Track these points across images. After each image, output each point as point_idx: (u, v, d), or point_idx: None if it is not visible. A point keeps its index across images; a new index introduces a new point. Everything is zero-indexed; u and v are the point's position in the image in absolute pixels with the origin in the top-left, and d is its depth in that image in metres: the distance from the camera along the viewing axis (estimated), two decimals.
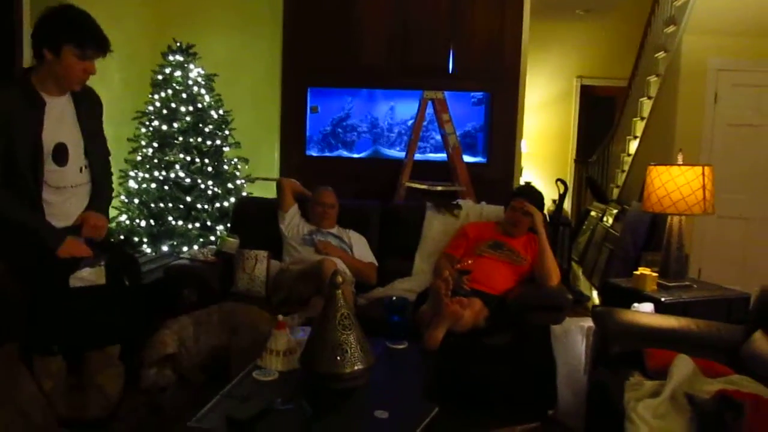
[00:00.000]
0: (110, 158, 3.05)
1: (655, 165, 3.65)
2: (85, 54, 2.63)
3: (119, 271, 2.89)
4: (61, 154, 2.68)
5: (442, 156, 5.46)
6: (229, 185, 5.21)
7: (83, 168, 2.79)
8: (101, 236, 2.85)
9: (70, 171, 2.73)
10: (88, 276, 2.76)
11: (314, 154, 5.77)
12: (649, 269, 3.74)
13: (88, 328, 2.75)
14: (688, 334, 2.86)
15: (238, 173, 5.34)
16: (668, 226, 3.70)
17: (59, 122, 2.70)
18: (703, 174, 3.50)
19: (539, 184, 8.77)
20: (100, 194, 2.88)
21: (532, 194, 3.98)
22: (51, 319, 2.66)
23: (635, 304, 3.33)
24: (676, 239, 3.68)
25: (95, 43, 2.64)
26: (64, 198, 2.74)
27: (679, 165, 3.57)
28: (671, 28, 5.70)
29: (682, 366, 2.39)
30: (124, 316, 2.86)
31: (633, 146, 6.73)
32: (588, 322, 3.25)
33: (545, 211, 7.12)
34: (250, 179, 5.42)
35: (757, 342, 2.59)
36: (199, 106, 5.12)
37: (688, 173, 3.51)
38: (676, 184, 3.51)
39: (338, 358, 2.29)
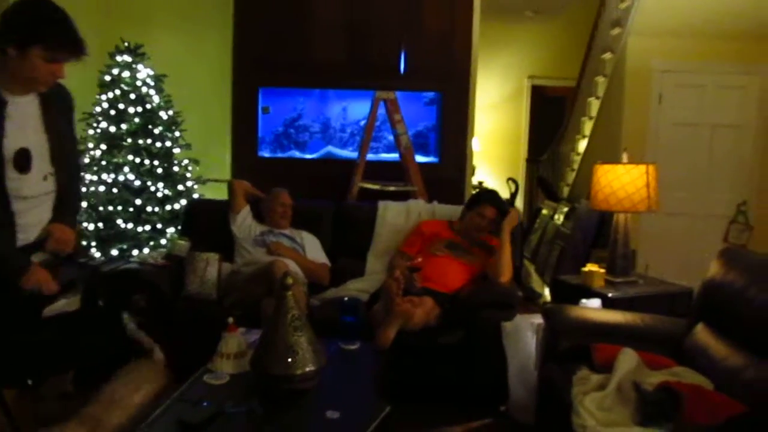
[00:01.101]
0: (80, 165, 2.82)
1: (601, 164, 3.73)
2: (55, 57, 2.35)
3: (93, 293, 2.68)
4: (23, 160, 2.39)
5: (394, 156, 5.48)
6: (180, 187, 5.16)
7: (48, 176, 2.49)
8: (68, 250, 2.59)
9: (33, 179, 2.44)
10: (64, 306, 2.54)
11: (266, 155, 5.74)
12: (597, 266, 3.82)
13: (62, 356, 2.50)
14: (634, 328, 2.93)
15: (188, 175, 5.28)
16: (614, 223, 3.79)
17: (22, 125, 2.41)
18: (647, 172, 3.60)
19: (491, 183, 8.91)
20: (67, 204, 2.59)
21: (498, 200, 3.99)
22: (22, 352, 2.40)
23: (583, 300, 3.41)
24: (622, 236, 3.77)
25: (68, 46, 2.36)
26: (25, 209, 2.44)
27: (624, 164, 3.66)
28: (617, 30, 5.83)
29: (627, 359, 2.45)
30: (96, 341, 2.62)
31: (582, 145, 6.86)
32: (538, 319, 3.31)
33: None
34: (201, 181, 5.37)
35: (699, 334, 2.68)
36: (149, 106, 5.06)
37: (633, 172, 3.60)
38: (621, 182, 3.59)
39: (289, 359, 2.29)
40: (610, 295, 3.53)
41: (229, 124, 5.78)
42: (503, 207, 3.98)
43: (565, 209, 6.41)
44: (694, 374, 2.43)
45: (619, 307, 3.39)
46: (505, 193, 7.93)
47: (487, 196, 4.06)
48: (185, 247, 3.97)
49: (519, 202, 8.91)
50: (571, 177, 7.22)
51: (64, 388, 2.61)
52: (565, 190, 7.38)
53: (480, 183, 8.89)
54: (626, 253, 3.79)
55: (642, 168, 3.60)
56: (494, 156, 9.27)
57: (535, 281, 6.64)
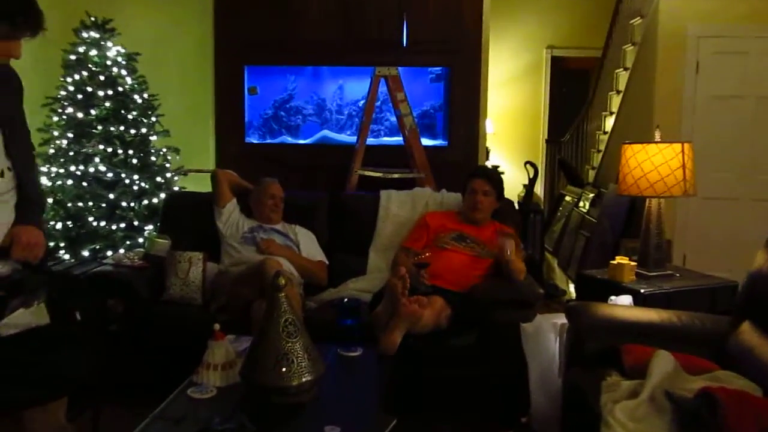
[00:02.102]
0: (35, 154, 2.75)
1: (630, 143, 3.72)
2: (16, 34, 2.25)
3: (66, 303, 2.57)
4: None
5: (397, 140, 5.48)
6: (158, 179, 5.16)
7: (5, 171, 2.40)
8: (38, 257, 2.44)
9: None
10: (23, 319, 2.38)
11: (254, 141, 5.74)
12: (627, 258, 3.81)
13: (26, 382, 2.31)
14: (669, 327, 2.92)
15: (167, 165, 5.28)
16: (646, 210, 3.78)
17: None
18: (683, 151, 3.58)
19: (507, 168, 8.91)
20: (30, 202, 2.48)
21: (490, 174, 4.08)
22: None
23: (612, 297, 3.40)
24: (655, 224, 3.76)
25: (29, 22, 2.27)
26: None
27: (656, 142, 3.65)
28: None
29: (662, 363, 2.44)
30: (73, 361, 2.43)
31: (609, 123, 6.85)
32: (561, 319, 3.30)
33: (517, 197, 7.21)
34: (181, 172, 5.37)
35: (744, 334, 2.67)
36: (120, 89, 5.05)
37: (666, 151, 3.58)
38: (653, 163, 3.58)
39: (283, 369, 2.30)
40: (642, 290, 3.52)
41: (212, 108, 5.78)
42: (494, 176, 4.08)
43: (591, 195, 6.40)
44: (739, 378, 2.42)
45: (653, 304, 3.38)
46: (523, 179, 7.93)
47: (477, 169, 4.20)
48: (165, 246, 3.98)
49: (539, 188, 8.90)
50: (596, 159, 7.21)
51: (56, 421, 2.46)
52: (591, 174, 7.37)
53: (495, 168, 8.89)
54: (660, 243, 3.78)
55: (677, 147, 3.59)
56: (510, 137, 9.26)
57: (558, 277, 6.65)
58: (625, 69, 6.39)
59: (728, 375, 2.45)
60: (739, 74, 5.56)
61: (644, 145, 3.64)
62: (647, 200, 3.77)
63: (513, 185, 8.53)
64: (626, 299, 3.41)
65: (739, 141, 5.61)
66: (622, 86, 6.48)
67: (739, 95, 5.59)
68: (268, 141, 5.75)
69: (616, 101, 6.66)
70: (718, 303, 3.59)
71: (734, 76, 5.56)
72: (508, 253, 3.62)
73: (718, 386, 2.20)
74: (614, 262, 3.78)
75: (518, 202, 7.06)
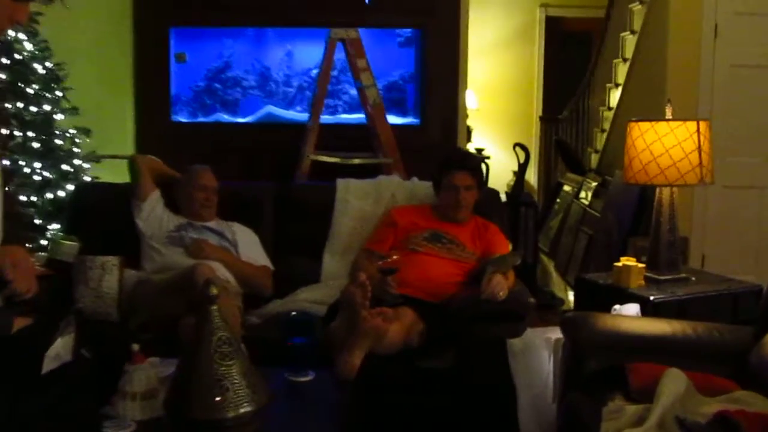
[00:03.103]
0: None
1: (636, 121, 3.76)
2: None
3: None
4: None
5: (359, 117, 5.49)
6: (65, 167, 5.11)
7: None
8: (33, 289, 2.50)
9: None
10: (62, 351, 2.58)
11: (183, 119, 5.72)
12: (635, 259, 3.86)
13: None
14: (683, 341, 2.97)
15: (76, 150, 5.24)
16: (656, 201, 3.83)
17: None
18: (698, 131, 3.63)
19: (493, 152, 8.96)
20: None
21: (471, 164, 4.05)
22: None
23: (616, 306, 3.44)
24: (667, 218, 3.81)
25: None
26: None
27: (667, 120, 3.70)
28: None
29: (673, 383, 2.48)
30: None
31: (614, 97, 6.92)
32: (557, 333, 3.34)
33: (505, 187, 7.25)
34: (93, 158, 5.32)
35: None
36: (17, 57, 4.99)
37: (679, 131, 3.63)
38: (663, 145, 3.63)
39: (217, 398, 2.29)
40: (651, 297, 3.57)
41: (131, 80, 5.74)
42: (475, 165, 4.08)
43: (594, 184, 6.48)
44: (763, 400, 2.46)
45: (665, 313, 3.43)
46: (512, 164, 7.98)
47: (453, 159, 4.09)
48: (73, 249, 3.94)
49: (532, 176, 8.97)
50: (600, 140, 7.28)
51: None
52: (594, 159, 7.44)
53: (479, 151, 8.94)
54: (673, 241, 3.84)
55: (691, 126, 3.64)
56: (497, 114, 9.31)
57: (556, 283, 6.71)
58: (632, 32, 6.45)
59: (749, 395, 2.50)
60: (765, 39, 5.62)
61: (653, 123, 3.69)
62: (657, 189, 3.83)
63: (500, 172, 8.60)
64: (633, 308, 3.46)
65: (765, 119, 5.66)
66: (629, 53, 6.54)
67: (765, 65, 5.64)
68: (200, 119, 5.74)
69: (622, 71, 6.72)
70: (741, 311, 3.66)
71: (759, 42, 5.62)
72: (499, 294, 3.48)
73: (737, 409, 2.25)
74: (619, 264, 3.82)
75: (506, 193, 7.11)
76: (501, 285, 3.49)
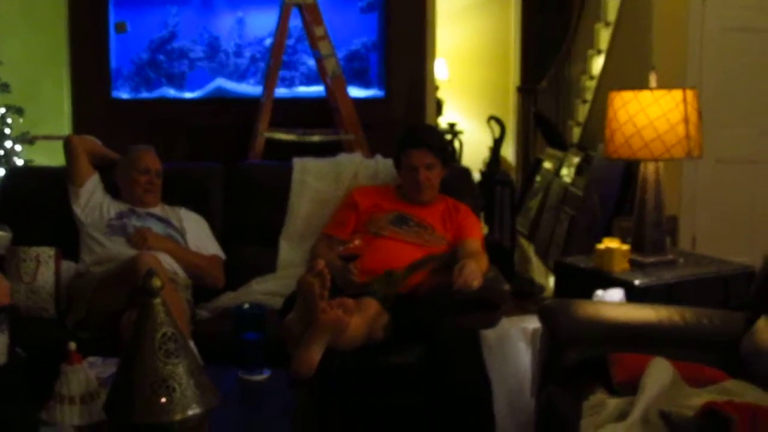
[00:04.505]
0: None
1: (617, 91, 3.78)
2: None
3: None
4: None
5: (317, 90, 5.47)
6: None
7: None
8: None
9: None
10: None
11: (124, 95, 5.67)
12: (619, 240, 3.89)
13: None
14: (670, 328, 2.99)
15: (6, 131, 5.20)
16: (641, 177, 3.85)
17: None
18: (685, 100, 3.66)
19: (466, 126, 8.98)
20: None
21: (430, 139, 4.00)
22: None
23: (598, 292, 3.47)
24: (653, 196, 3.83)
25: None
26: None
27: (651, 89, 3.72)
28: None
29: (659, 374, 2.51)
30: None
31: (597, 64, 6.95)
32: (534, 323, 3.36)
33: (481, 164, 7.26)
34: (25, 139, 5.29)
35: (761, 333, 2.74)
36: None
37: (664, 100, 3.65)
38: (647, 116, 3.65)
39: (162, 400, 2.28)
40: (636, 282, 3.60)
41: (66, 52, 5.69)
42: (434, 140, 4.02)
43: (576, 160, 6.50)
44: (754, 389, 2.49)
45: (651, 299, 3.45)
46: (487, 140, 8.00)
47: (410, 136, 4.04)
48: (4, 239, 3.92)
49: (508, 151, 9.00)
50: (582, 112, 7.32)
51: None
52: (576, 133, 7.48)
53: (451, 126, 8.96)
54: (659, 220, 3.86)
55: (677, 95, 3.66)
56: (470, 85, 9.32)
57: (535, 268, 6.75)
58: None
59: (739, 385, 2.53)
60: (757, 1, 5.64)
61: (636, 92, 3.71)
62: (642, 165, 3.85)
63: (474, 148, 8.63)
64: (616, 294, 3.48)
65: (759, 86, 5.69)
66: (612, 16, 6.57)
67: (759, 28, 5.66)
68: (143, 95, 5.69)
69: (605, 36, 6.76)
70: (732, 295, 3.70)
71: (752, 4, 5.65)
72: (473, 284, 3.46)
73: (726, 401, 2.27)
74: (602, 246, 3.84)
75: (481, 171, 7.15)
76: (474, 273, 3.47)
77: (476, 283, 3.45)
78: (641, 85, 3.87)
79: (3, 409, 2.66)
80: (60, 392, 2.61)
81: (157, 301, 2.35)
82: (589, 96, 7.13)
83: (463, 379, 3.39)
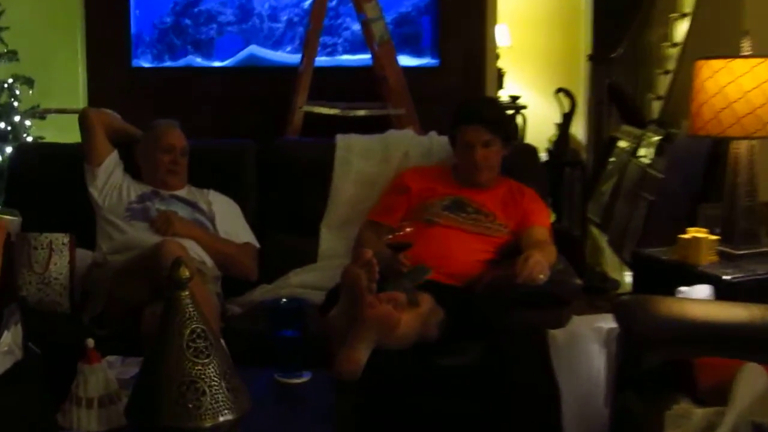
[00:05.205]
0: None
1: (705, 59, 3.75)
2: None
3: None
4: None
5: (363, 58, 5.47)
6: (2, 125, 5.13)
7: None
8: None
9: None
10: (13, 346, 2.67)
11: (146, 64, 5.71)
12: (706, 230, 3.86)
13: None
14: (764, 330, 2.97)
15: (15, 104, 5.25)
16: (731, 158, 3.82)
17: None
18: None
19: (530, 100, 8.93)
20: None
21: (487, 113, 4.00)
22: None
23: (683, 288, 3.44)
24: (745, 180, 3.80)
25: None
26: None
27: (745, 57, 3.68)
28: None
29: (751, 382, 2.49)
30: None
31: (681, 29, 6.87)
32: (609, 323, 3.34)
33: (547, 143, 7.23)
34: (36, 113, 5.34)
35: None
36: None
37: (761, 69, 3.61)
38: (741, 88, 3.61)
39: (190, 405, 2.30)
40: (726, 277, 3.58)
41: (81, 16, 5.73)
42: (493, 114, 4.01)
43: (656, 139, 6.44)
44: None
45: (742, 296, 3.42)
46: (554, 115, 7.96)
47: (465, 110, 4.05)
48: (13, 224, 3.96)
49: (578, 128, 8.93)
50: (663, 84, 7.25)
51: None
52: (655, 107, 7.41)
53: (513, 99, 8.92)
54: (753, 207, 3.83)
55: None
56: (535, 53, 9.28)
57: (609, 261, 6.71)
58: None
59: None
60: None
61: (727, 60, 3.67)
62: (733, 143, 3.81)
63: (540, 125, 8.57)
64: (703, 290, 3.46)
65: None
66: None
67: None
68: (167, 64, 5.72)
69: None
70: None
71: None
72: (539, 277, 3.45)
73: None
74: (686, 236, 3.82)
75: (548, 151, 7.11)
76: (540, 265, 3.45)
77: (542, 276, 3.44)
78: (732, 52, 3.82)
79: (24, 410, 2.69)
80: (77, 394, 2.64)
81: (185, 293, 2.36)
82: (671, 65, 7.06)
83: (528, 385, 3.38)
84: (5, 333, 2.74)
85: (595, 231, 7.11)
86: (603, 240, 6.97)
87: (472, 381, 3.43)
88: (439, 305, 3.47)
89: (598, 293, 5.75)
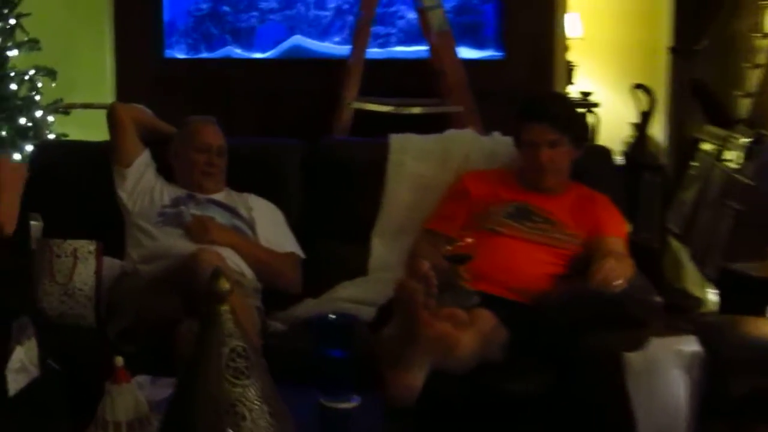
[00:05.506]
0: None
1: None
2: None
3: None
4: None
5: (419, 50, 5.48)
6: (22, 121, 5.18)
7: None
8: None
9: None
10: (27, 362, 2.70)
11: (180, 55, 5.75)
12: None
13: None
14: None
15: (37, 98, 5.30)
16: None
17: None
18: None
19: (603, 96, 8.89)
20: None
21: (554, 111, 3.98)
22: None
23: None
24: None
25: None
26: None
27: None
28: None
29: None
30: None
31: None
32: (692, 345, 3.32)
33: (621, 145, 7.22)
34: (60, 108, 5.38)
35: None
36: None
37: None
38: None
39: (229, 430, 2.32)
40: None
41: (109, 3, 5.78)
42: (561, 112, 3.98)
43: (744, 141, 6.41)
44: None
45: None
46: (630, 115, 7.93)
47: (530, 106, 4.03)
48: (35, 229, 3.99)
49: (657, 128, 8.89)
50: (753, 80, 7.20)
51: None
52: (744, 105, 7.36)
53: (584, 96, 8.89)
54: None
55: None
56: (609, 45, 9.24)
57: (690, 276, 6.66)
58: None
59: None
60: None
61: None
62: None
63: (614, 125, 8.52)
64: None
65: None
66: None
67: None
68: (203, 55, 5.76)
69: None
70: None
71: None
72: (614, 282, 3.46)
73: None
74: None
75: (623, 153, 7.06)
76: (616, 271, 3.46)
77: (618, 282, 3.43)
78: None
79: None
80: (104, 417, 2.65)
81: (225, 308, 2.37)
82: (761, 59, 7.01)
83: (601, 413, 3.36)
84: (17, 348, 2.75)
85: (675, 243, 7.07)
86: (683, 253, 6.93)
87: (538, 408, 3.41)
88: (503, 324, 3.46)
89: (679, 312, 5.70)
